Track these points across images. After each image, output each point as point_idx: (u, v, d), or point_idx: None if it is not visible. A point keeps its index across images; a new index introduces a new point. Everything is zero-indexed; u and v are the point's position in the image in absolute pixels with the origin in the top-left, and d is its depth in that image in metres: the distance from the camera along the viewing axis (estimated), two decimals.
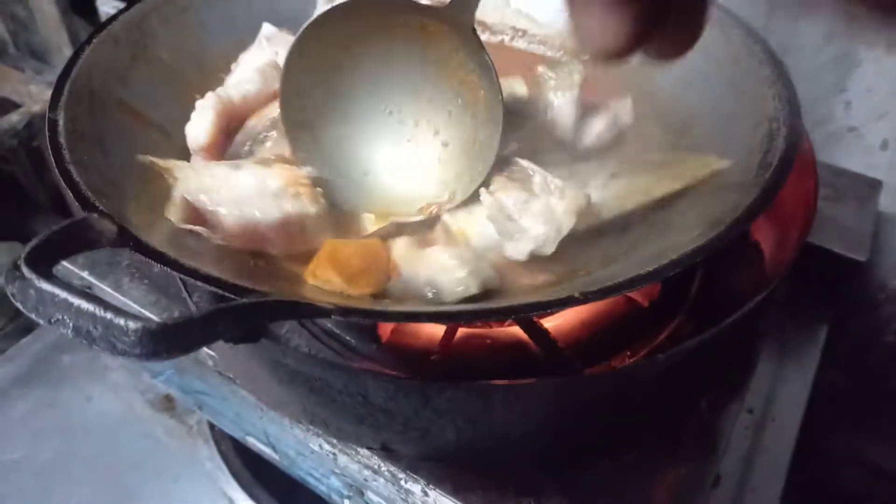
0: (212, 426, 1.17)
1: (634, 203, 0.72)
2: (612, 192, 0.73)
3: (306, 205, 0.66)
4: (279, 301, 0.51)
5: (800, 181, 0.82)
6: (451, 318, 0.66)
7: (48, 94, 1.63)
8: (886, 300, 1.34)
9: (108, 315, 0.45)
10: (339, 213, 0.73)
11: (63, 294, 0.47)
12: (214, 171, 0.68)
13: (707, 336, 0.64)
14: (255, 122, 0.79)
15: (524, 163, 0.72)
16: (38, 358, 1.24)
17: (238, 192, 0.66)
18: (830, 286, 1.06)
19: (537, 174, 0.70)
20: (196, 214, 0.67)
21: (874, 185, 1.13)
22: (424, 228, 0.75)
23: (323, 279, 0.63)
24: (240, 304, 0.49)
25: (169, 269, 0.57)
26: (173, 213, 0.67)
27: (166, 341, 0.45)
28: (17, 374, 1.22)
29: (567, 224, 0.67)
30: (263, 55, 0.88)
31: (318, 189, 0.69)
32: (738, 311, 0.65)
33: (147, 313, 0.94)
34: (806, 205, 0.79)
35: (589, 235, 0.71)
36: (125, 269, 0.98)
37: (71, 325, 0.46)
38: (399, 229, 0.73)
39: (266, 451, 0.97)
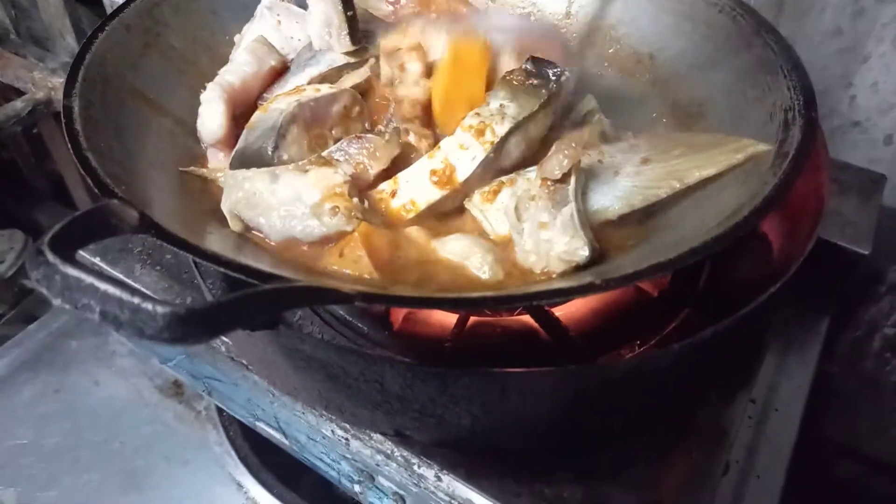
0: (220, 411, 1.17)
1: (668, 189, 0.70)
2: (644, 180, 0.71)
3: (344, 223, 0.68)
4: (304, 287, 0.51)
5: (811, 173, 0.82)
6: (471, 305, 0.66)
7: (52, 80, 1.63)
8: (887, 293, 1.35)
9: (136, 300, 0.46)
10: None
11: (89, 279, 0.47)
12: (254, 182, 0.70)
13: (721, 326, 0.64)
14: (265, 117, 0.78)
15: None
16: (45, 344, 1.24)
17: (277, 203, 0.69)
18: (834, 279, 1.07)
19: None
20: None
21: (878, 180, 1.14)
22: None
23: (351, 259, 0.64)
24: (266, 290, 0.49)
25: (191, 256, 0.57)
26: (235, 225, 0.71)
27: (195, 326, 0.45)
28: (24, 359, 1.22)
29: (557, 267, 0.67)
30: (265, 26, 0.89)
31: (355, 200, 0.70)
32: (753, 302, 0.66)
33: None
34: (817, 198, 0.80)
35: (620, 221, 0.71)
36: (137, 256, 0.98)
37: (98, 309, 0.46)
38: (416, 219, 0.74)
39: (276, 436, 0.98)
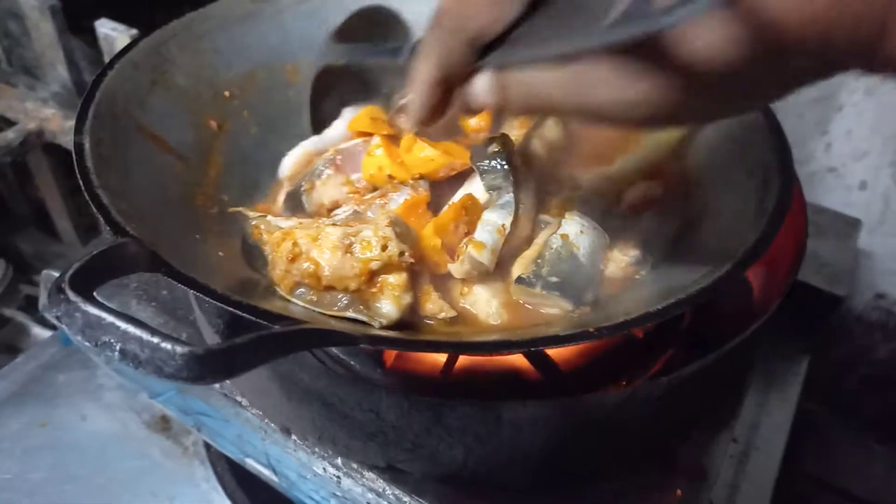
0: (207, 447, 1.17)
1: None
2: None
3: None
4: (314, 329, 0.53)
5: (790, 223, 0.86)
6: (473, 350, 0.68)
7: (44, 111, 1.63)
8: (863, 333, 1.40)
9: (156, 339, 0.47)
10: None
11: (110, 318, 0.49)
12: (300, 237, 0.68)
13: (708, 360, 0.67)
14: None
15: None
16: (32, 376, 1.23)
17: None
18: (812, 319, 1.11)
19: None
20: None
21: (853, 224, 1.19)
22: None
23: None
24: (279, 332, 0.51)
25: (202, 296, 0.59)
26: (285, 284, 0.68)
27: (211, 366, 0.47)
28: (10, 392, 1.20)
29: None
30: None
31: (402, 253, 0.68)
32: (737, 338, 0.69)
33: None
34: (795, 245, 0.83)
35: None
36: (132, 292, 0.99)
37: (118, 347, 0.48)
38: None
39: (265, 472, 0.98)
